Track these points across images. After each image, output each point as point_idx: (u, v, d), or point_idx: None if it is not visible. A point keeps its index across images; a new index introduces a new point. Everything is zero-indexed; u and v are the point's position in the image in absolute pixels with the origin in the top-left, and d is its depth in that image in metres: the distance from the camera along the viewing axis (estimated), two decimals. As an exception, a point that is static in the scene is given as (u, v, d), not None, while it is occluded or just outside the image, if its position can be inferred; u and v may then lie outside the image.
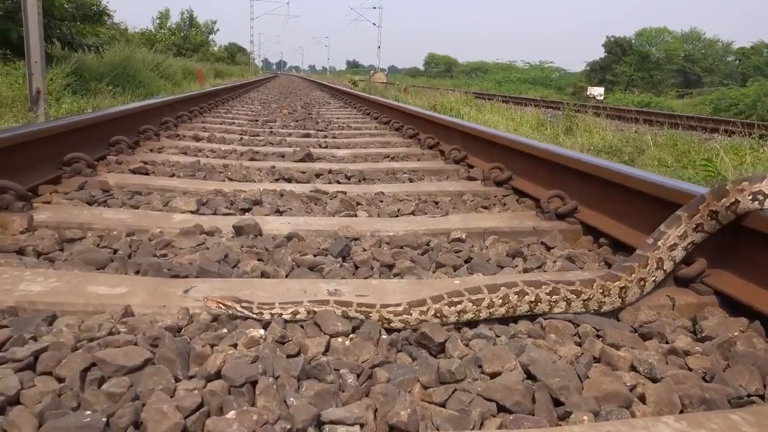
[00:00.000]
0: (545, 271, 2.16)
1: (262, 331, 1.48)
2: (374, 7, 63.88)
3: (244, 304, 1.58)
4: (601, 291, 1.71)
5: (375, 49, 59.49)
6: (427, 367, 1.33)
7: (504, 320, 1.68)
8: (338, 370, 1.35)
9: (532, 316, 1.70)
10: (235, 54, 74.26)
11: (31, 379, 1.27)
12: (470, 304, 1.61)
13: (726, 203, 1.80)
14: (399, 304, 1.60)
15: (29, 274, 1.80)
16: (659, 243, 1.82)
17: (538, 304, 1.67)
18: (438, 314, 1.59)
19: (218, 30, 60.17)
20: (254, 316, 1.58)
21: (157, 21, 49.91)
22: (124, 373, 1.30)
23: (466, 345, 1.51)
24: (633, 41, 59.19)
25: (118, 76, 15.41)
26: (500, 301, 1.64)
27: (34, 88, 9.21)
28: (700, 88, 46.87)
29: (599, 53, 61.34)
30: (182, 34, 51.87)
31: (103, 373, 1.29)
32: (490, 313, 1.64)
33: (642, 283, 1.77)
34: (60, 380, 1.27)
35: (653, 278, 1.80)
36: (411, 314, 1.58)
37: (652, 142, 8.87)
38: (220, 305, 1.57)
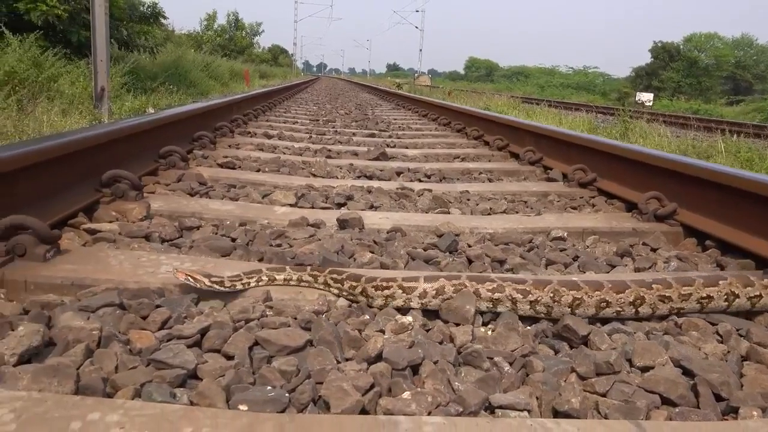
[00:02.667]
0: (657, 272, 2.14)
1: (410, 318, 1.51)
2: (417, 11, 63.95)
3: (213, 279, 1.61)
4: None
5: (415, 53, 59.55)
6: (584, 358, 1.34)
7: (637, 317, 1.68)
8: (491, 358, 1.37)
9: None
10: (278, 56, 75.23)
11: (199, 355, 1.32)
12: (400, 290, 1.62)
13: None
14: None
15: (165, 258, 1.88)
16: None
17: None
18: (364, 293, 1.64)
19: (263, 32, 61.03)
20: (225, 289, 1.62)
21: (204, 23, 50.93)
22: (287, 353, 1.35)
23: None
24: (681, 47, 57.88)
25: (171, 75, 15.75)
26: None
27: (99, 86, 9.46)
28: (751, 96, 45.53)
29: (645, 59, 60.12)
30: (227, 35, 52.74)
31: (268, 352, 1.34)
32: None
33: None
34: (228, 357, 1.33)
35: None
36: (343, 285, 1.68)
37: (714, 149, 8.67)
38: (189, 278, 1.59)
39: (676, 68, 55.79)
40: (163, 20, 17.79)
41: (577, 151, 3.78)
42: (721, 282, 1.69)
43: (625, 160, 3.23)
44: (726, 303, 1.68)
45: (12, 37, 10.42)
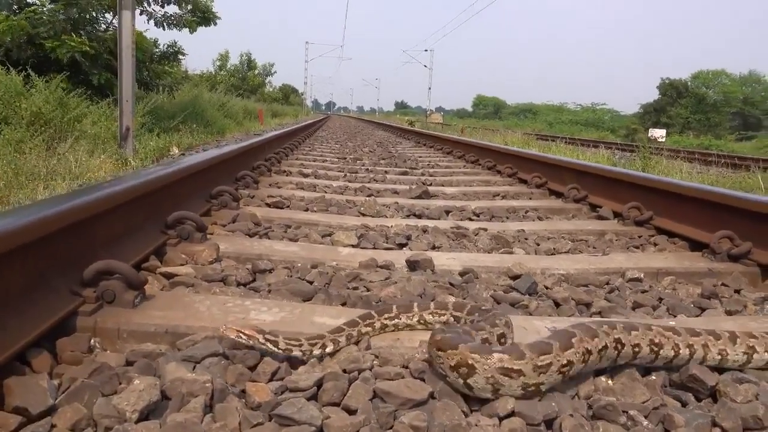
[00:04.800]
0: (749, 315, 2.07)
1: (528, 368, 1.44)
2: (425, 50, 64.95)
3: (267, 336, 1.45)
4: None
5: (422, 91, 60.28)
6: (728, 412, 1.26)
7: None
8: (626, 411, 1.29)
9: None
10: (288, 95, 76.31)
11: (318, 409, 1.25)
12: None
13: None
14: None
15: (250, 304, 1.82)
16: None
17: None
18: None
19: (275, 72, 62.01)
20: (279, 351, 1.45)
21: (218, 63, 51.83)
22: (411, 407, 1.28)
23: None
24: (689, 83, 58.28)
25: (188, 115, 15.90)
26: None
27: (124, 126, 9.53)
28: (761, 131, 45.55)
29: (653, 95, 60.64)
30: (240, 75, 53.59)
31: (391, 405, 1.27)
32: None
33: None
34: (350, 411, 1.26)
35: None
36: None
37: (744, 184, 8.59)
38: (240, 334, 1.44)
39: (685, 104, 56.05)
40: (181, 57, 18.04)
41: (629, 189, 3.72)
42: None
43: (685, 198, 3.17)
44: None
45: (37, 79, 10.58)
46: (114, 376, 1.31)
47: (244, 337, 1.44)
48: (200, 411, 1.21)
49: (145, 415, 1.20)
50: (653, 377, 1.47)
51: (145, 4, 15.30)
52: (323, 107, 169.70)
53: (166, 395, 1.27)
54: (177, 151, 10.30)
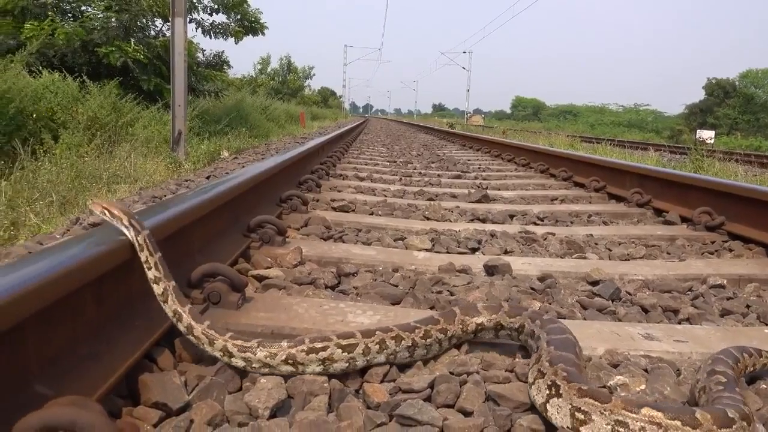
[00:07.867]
0: (844, 323, 2.02)
1: (624, 378, 1.45)
2: (464, 52, 64.72)
3: (134, 221, 1.44)
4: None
5: (460, 92, 60.07)
6: None
7: None
8: (742, 419, 1.29)
9: None
10: (327, 98, 77.04)
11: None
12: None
13: None
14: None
15: (345, 306, 1.87)
16: None
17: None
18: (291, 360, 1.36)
19: (314, 75, 62.60)
20: (132, 238, 1.43)
21: (259, 66, 52.63)
22: (524, 410, 1.30)
23: None
24: (737, 83, 56.67)
25: (233, 119, 16.16)
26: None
27: (177, 129, 9.75)
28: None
29: (698, 96, 59.13)
30: (280, 79, 54.31)
31: (506, 408, 1.29)
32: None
33: None
34: (465, 414, 1.29)
35: None
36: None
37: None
38: (105, 211, 1.46)
39: (732, 105, 54.51)
40: (227, 68, 18.42)
41: (697, 193, 3.67)
42: None
43: (761, 202, 3.10)
44: None
45: (92, 85, 10.91)
46: (236, 375, 1.37)
47: (108, 215, 1.46)
48: (324, 410, 1.26)
49: (274, 413, 1.25)
50: (763, 386, 1.47)
51: (194, 13, 15.64)
52: (360, 110, 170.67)
53: (288, 394, 1.32)
54: (227, 155, 10.51)
